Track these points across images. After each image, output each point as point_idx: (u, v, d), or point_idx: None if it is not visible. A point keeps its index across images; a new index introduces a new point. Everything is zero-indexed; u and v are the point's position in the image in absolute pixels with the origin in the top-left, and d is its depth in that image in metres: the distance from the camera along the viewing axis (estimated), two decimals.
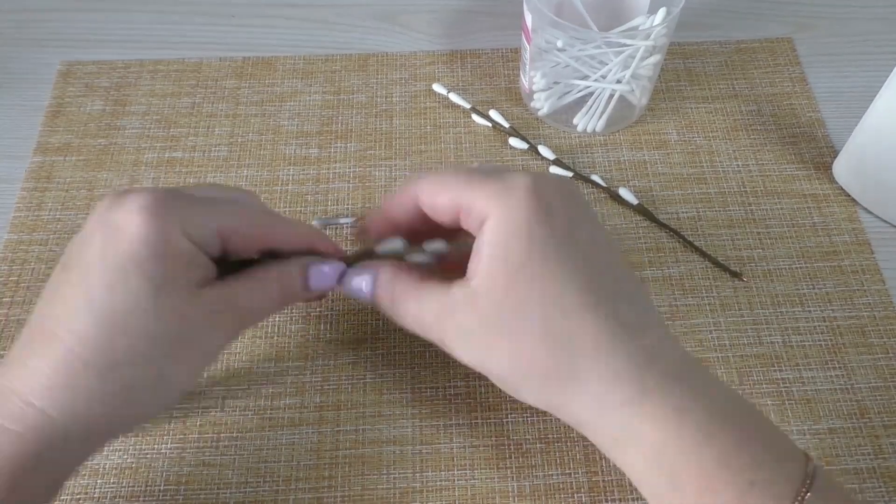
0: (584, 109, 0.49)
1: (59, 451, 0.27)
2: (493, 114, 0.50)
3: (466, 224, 0.30)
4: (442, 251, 0.35)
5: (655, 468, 0.27)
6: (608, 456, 0.30)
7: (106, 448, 0.38)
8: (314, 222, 0.46)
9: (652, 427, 0.27)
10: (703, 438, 0.27)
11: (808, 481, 0.26)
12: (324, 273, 0.33)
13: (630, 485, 0.37)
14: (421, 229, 0.33)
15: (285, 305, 0.34)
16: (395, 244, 0.35)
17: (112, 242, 0.27)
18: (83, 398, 0.26)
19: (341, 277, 0.34)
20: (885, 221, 0.46)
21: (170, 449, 0.38)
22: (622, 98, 0.48)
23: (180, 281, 0.28)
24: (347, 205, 0.47)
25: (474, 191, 0.29)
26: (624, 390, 0.28)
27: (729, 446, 0.27)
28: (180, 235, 0.28)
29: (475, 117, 0.50)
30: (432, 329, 0.31)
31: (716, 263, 0.44)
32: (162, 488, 0.37)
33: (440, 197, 0.30)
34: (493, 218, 0.28)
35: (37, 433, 0.26)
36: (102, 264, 0.27)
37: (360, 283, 0.33)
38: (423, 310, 0.31)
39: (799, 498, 0.26)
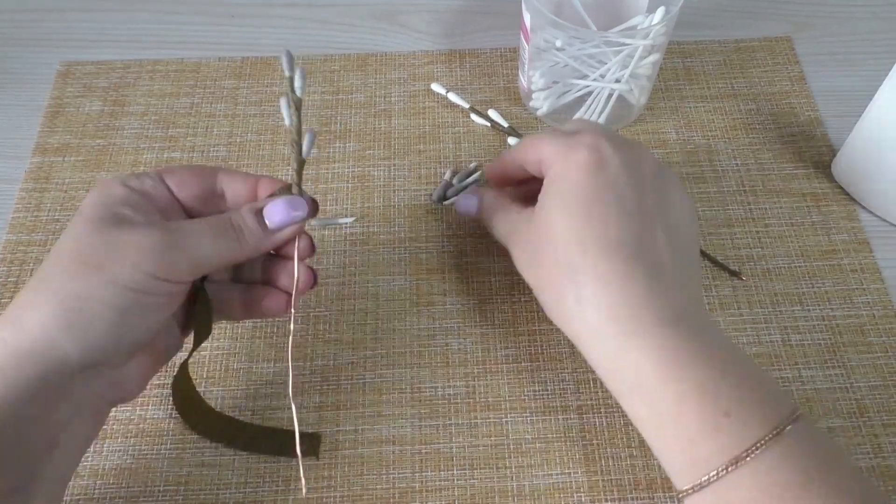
0: (582, 109, 0.49)
1: (18, 370, 0.28)
2: (491, 113, 0.50)
3: (540, 168, 0.36)
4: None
5: (637, 394, 0.31)
6: (601, 377, 0.33)
7: (106, 449, 0.38)
8: (313, 223, 0.46)
9: (636, 357, 0.31)
10: (681, 371, 0.30)
11: (790, 420, 0.29)
12: (276, 206, 0.33)
13: (630, 484, 0.37)
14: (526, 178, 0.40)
15: (247, 249, 0.33)
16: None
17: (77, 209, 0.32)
18: (19, 311, 0.29)
19: (299, 211, 0.33)
20: (884, 220, 0.46)
21: (170, 449, 0.38)
22: (621, 97, 0.48)
23: (111, 216, 0.31)
24: (346, 205, 0.47)
25: (549, 146, 0.36)
26: (617, 325, 0.31)
27: (709, 380, 0.30)
28: (117, 186, 0.32)
29: (474, 117, 0.50)
30: (504, 238, 0.38)
31: (715, 262, 0.44)
32: (162, 488, 0.37)
33: (530, 154, 0.37)
34: (552, 169, 0.35)
35: None
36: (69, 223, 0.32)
37: (470, 202, 0.41)
38: (503, 223, 0.38)
39: (776, 430, 0.28)
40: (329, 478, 0.38)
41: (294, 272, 0.35)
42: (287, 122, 0.33)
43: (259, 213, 0.33)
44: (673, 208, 0.35)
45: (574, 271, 0.33)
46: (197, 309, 0.35)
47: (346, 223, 0.46)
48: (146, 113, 0.52)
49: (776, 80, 0.53)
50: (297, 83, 0.33)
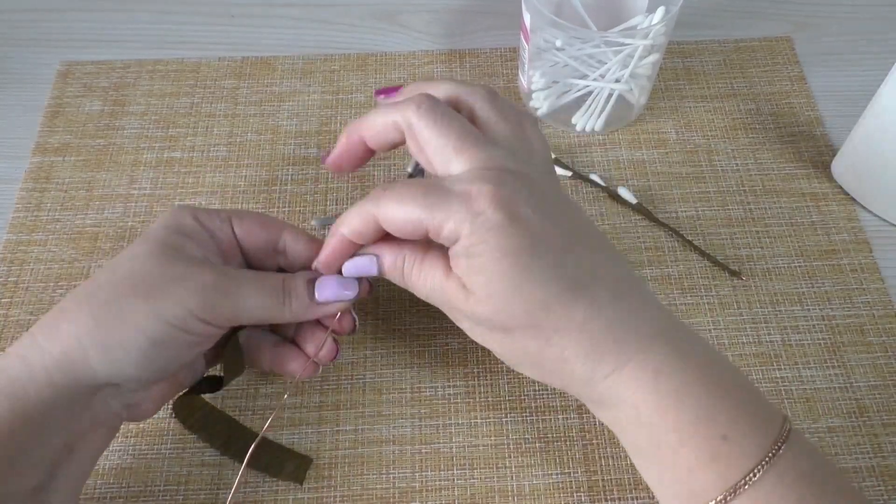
0: (582, 109, 0.49)
1: (30, 368, 0.29)
2: None
3: (437, 240, 0.30)
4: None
5: (636, 425, 0.29)
6: (595, 414, 0.32)
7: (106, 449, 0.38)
8: (313, 222, 0.46)
9: (632, 389, 0.29)
10: (679, 397, 0.29)
11: (781, 439, 0.28)
12: (328, 282, 0.34)
13: (630, 484, 0.37)
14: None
15: (290, 314, 0.33)
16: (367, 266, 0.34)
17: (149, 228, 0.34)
18: (60, 322, 0.30)
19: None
20: (884, 220, 0.46)
21: (170, 449, 0.38)
22: (621, 97, 0.48)
23: (175, 245, 0.32)
24: (346, 205, 0.47)
25: (439, 212, 0.29)
26: (605, 366, 0.29)
27: (704, 403, 0.28)
28: (189, 217, 0.33)
29: None
30: (441, 306, 0.32)
31: (715, 262, 0.44)
32: (162, 488, 0.37)
33: (404, 222, 0.30)
34: (466, 239, 0.29)
35: (18, 353, 0.30)
36: (135, 240, 0.33)
37: (368, 265, 0.33)
38: (430, 293, 0.32)
39: (771, 454, 0.27)
40: (329, 478, 0.38)
41: (323, 342, 0.36)
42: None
43: (311, 284, 0.34)
44: (558, 217, 0.31)
45: (555, 330, 0.29)
46: (226, 353, 0.35)
47: None
48: (146, 113, 0.52)
49: (776, 80, 0.53)
50: None
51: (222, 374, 0.36)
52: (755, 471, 0.27)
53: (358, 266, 0.33)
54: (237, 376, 0.36)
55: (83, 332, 0.29)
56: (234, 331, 0.35)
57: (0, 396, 0.29)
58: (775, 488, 0.27)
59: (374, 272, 0.33)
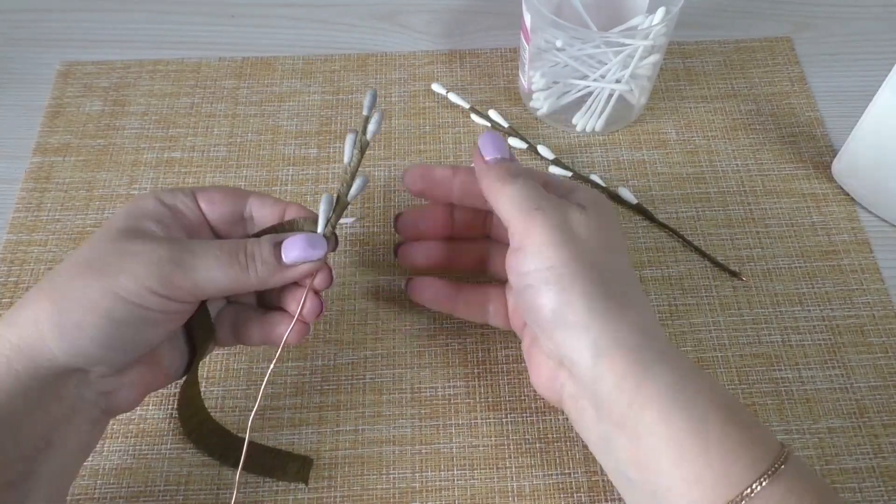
0: (583, 109, 0.49)
1: (8, 364, 0.28)
2: (492, 113, 0.50)
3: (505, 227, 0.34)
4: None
5: (675, 404, 0.29)
6: (607, 397, 0.30)
7: (106, 449, 0.38)
8: None
9: (678, 367, 0.30)
10: (713, 384, 0.30)
11: (781, 457, 0.28)
12: (294, 241, 0.33)
13: None
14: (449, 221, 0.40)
15: (256, 279, 0.32)
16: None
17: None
18: (20, 310, 0.29)
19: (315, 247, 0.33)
20: (884, 220, 0.46)
21: (170, 449, 0.38)
22: (621, 98, 0.48)
23: (131, 227, 0.31)
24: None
25: (531, 221, 0.32)
26: (657, 336, 0.31)
27: (731, 399, 0.30)
28: (150, 199, 0.33)
29: (474, 117, 0.50)
30: (540, 202, 0.32)
31: (715, 263, 0.44)
32: (162, 488, 0.37)
33: (504, 207, 0.33)
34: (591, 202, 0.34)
35: None
36: None
37: (497, 143, 0.36)
38: (543, 191, 0.33)
39: (775, 465, 0.27)
40: (329, 478, 0.38)
41: (303, 298, 0.34)
42: (346, 159, 0.34)
43: (278, 246, 0.33)
44: (612, 252, 0.34)
45: (618, 277, 0.32)
46: (195, 323, 0.34)
47: (347, 223, 0.46)
48: (146, 113, 0.52)
49: (776, 81, 0.53)
50: (372, 127, 0.33)
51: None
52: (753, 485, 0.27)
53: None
54: (208, 348, 0.35)
55: (40, 317, 0.29)
56: (203, 303, 0.34)
57: None
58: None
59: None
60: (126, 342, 0.30)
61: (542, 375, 0.34)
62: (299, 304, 0.34)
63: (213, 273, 0.31)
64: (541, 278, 0.31)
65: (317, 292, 0.35)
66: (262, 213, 0.35)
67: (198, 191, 0.34)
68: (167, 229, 0.32)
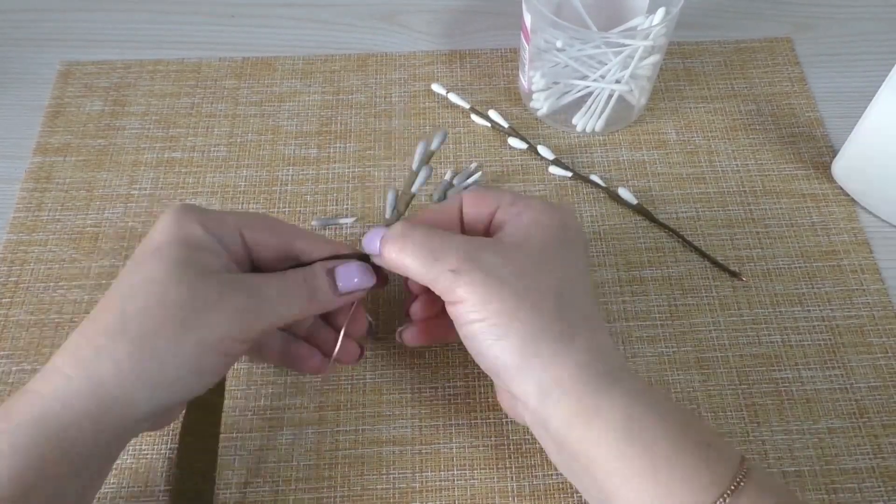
0: (583, 109, 0.49)
1: (73, 413, 0.28)
2: (492, 114, 0.50)
3: (501, 216, 0.34)
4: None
5: (626, 438, 0.29)
6: (558, 434, 0.30)
7: None
8: (314, 223, 0.46)
9: (629, 397, 0.29)
10: (667, 409, 0.30)
11: (740, 474, 0.28)
12: (349, 270, 0.34)
13: None
14: None
15: (315, 308, 0.34)
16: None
17: (147, 239, 0.32)
18: (96, 359, 0.28)
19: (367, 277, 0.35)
20: (884, 221, 0.46)
21: (170, 449, 0.38)
22: (621, 98, 0.48)
23: (194, 263, 0.31)
24: (347, 205, 0.47)
25: (521, 196, 0.34)
26: (606, 363, 0.30)
27: (686, 418, 0.30)
28: (197, 226, 0.32)
29: (474, 117, 0.50)
30: (450, 259, 0.31)
31: (715, 263, 0.44)
32: (162, 488, 0.37)
33: (485, 200, 0.35)
34: (540, 209, 0.34)
35: (55, 394, 0.28)
36: (137, 254, 0.32)
37: (375, 237, 0.34)
38: (448, 245, 0.32)
39: (734, 483, 0.27)
40: (329, 478, 0.38)
41: (338, 341, 0.36)
42: (388, 213, 0.36)
43: (331, 273, 0.34)
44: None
45: (576, 309, 0.31)
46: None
47: (347, 223, 0.46)
48: (147, 113, 0.52)
49: (776, 81, 0.53)
50: (419, 180, 0.36)
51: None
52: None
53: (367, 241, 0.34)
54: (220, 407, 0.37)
55: (126, 373, 0.28)
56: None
57: (47, 440, 0.28)
58: None
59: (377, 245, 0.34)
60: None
61: (504, 401, 0.35)
62: (341, 345, 0.36)
63: (283, 311, 0.32)
64: (476, 329, 0.31)
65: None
66: (312, 252, 0.35)
67: (244, 225, 0.33)
68: (220, 261, 0.32)
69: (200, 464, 0.37)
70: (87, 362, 0.28)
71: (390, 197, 0.37)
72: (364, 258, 0.35)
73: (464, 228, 0.36)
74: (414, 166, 0.37)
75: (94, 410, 0.28)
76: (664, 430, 0.29)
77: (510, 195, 0.35)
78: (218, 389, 0.37)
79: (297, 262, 0.35)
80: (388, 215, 0.36)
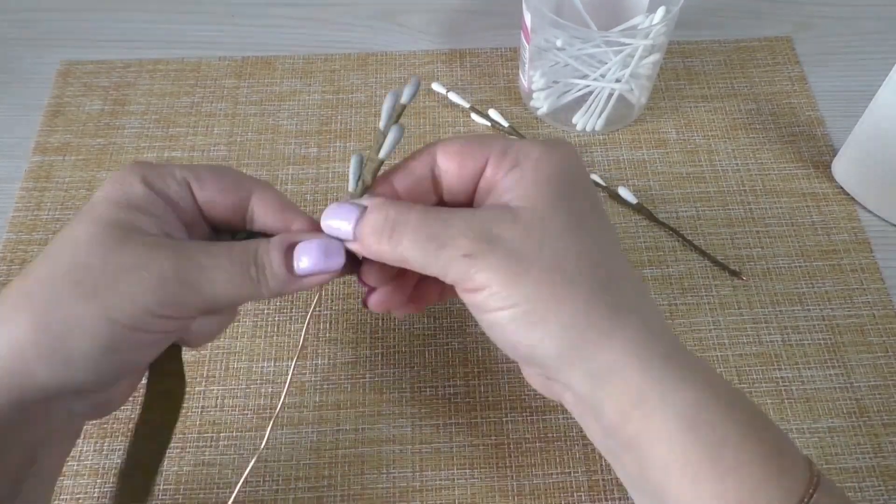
0: (583, 108, 0.49)
1: (6, 389, 0.25)
2: (492, 113, 0.50)
3: (492, 173, 0.28)
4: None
5: (691, 429, 0.25)
6: (610, 423, 0.26)
7: (106, 448, 0.38)
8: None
9: (693, 382, 0.25)
10: (734, 401, 0.26)
11: (811, 488, 0.25)
12: (310, 247, 0.28)
13: None
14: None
15: (261, 291, 0.28)
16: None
17: (89, 201, 0.28)
18: (14, 325, 0.25)
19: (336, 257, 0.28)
20: (884, 220, 0.46)
21: (170, 449, 0.38)
22: (621, 97, 0.48)
23: (122, 224, 0.27)
24: None
25: (511, 142, 0.28)
26: (663, 342, 0.26)
27: (755, 414, 0.26)
28: (138, 183, 0.28)
29: (474, 116, 0.50)
30: (461, 242, 0.26)
31: (715, 262, 0.44)
32: (162, 488, 0.37)
33: (469, 153, 0.28)
34: (539, 155, 0.27)
35: None
36: (74, 218, 0.28)
37: (345, 213, 0.28)
38: (454, 226, 0.27)
39: (804, 499, 0.24)
40: (329, 477, 0.38)
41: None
42: (351, 184, 0.30)
43: (289, 252, 0.28)
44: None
45: (614, 279, 0.26)
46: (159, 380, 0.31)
47: None
48: (146, 112, 0.52)
49: (776, 80, 0.53)
50: (389, 142, 0.29)
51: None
52: None
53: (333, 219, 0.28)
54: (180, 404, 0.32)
55: (24, 341, 0.25)
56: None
57: None
58: None
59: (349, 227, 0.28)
60: (121, 365, 0.27)
61: (534, 380, 0.31)
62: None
63: (222, 289, 0.27)
64: (505, 317, 0.26)
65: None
66: (265, 221, 0.30)
67: (193, 177, 0.29)
68: (161, 224, 0.28)
69: (146, 455, 0.32)
70: (7, 331, 0.25)
71: (354, 163, 0.29)
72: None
73: (439, 192, 0.30)
74: (381, 125, 0.29)
75: None
76: (734, 428, 0.25)
77: (500, 142, 0.28)
78: (175, 373, 0.32)
79: (251, 223, 0.30)
80: (351, 187, 0.29)
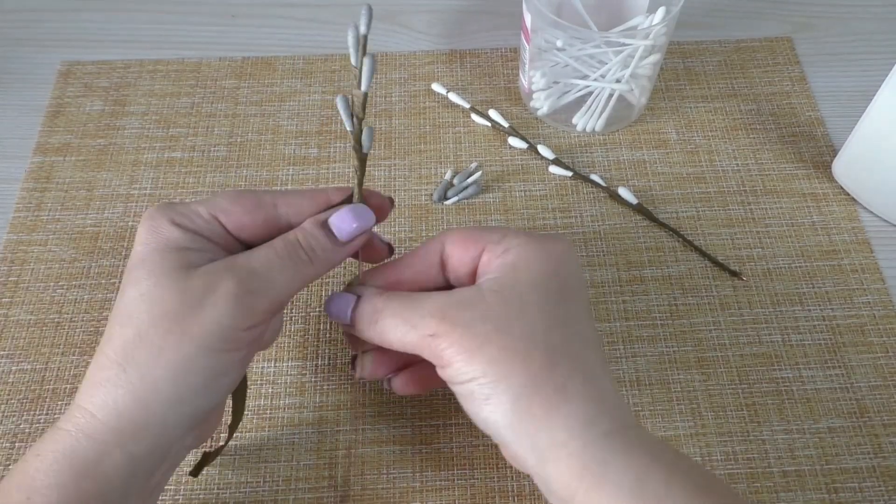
0: (583, 109, 0.49)
1: (101, 445, 0.27)
2: (492, 113, 0.50)
3: (487, 258, 0.31)
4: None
5: (636, 500, 0.26)
6: (559, 496, 0.28)
7: None
8: None
9: (637, 456, 0.27)
10: (682, 471, 0.27)
11: None
12: (344, 215, 0.31)
13: None
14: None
15: (319, 268, 0.31)
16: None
17: (132, 254, 0.30)
18: (111, 391, 0.27)
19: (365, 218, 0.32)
20: (884, 220, 0.46)
21: None
22: (621, 97, 0.48)
23: (178, 264, 0.29)
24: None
25: (507, 231, 0.32)
26: (611, 418, 0.28)
27: (705, 481, 0.27)
28: (171, 227, 0.30)
29: (474, 117, 0.50)
30: (426, 323, 0.30)
31: (715, 263, 0.44)
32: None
33: (470, 242, 0.32)
34: (523, 246, 0.31)
35: (80, 430, 0.27)
36: (126, 271, 0.30)
37: (343, 303, 0.32)
38: (422, 309, 0.30)
39: None
40: (329, 478, 0.38)
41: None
42: (347, 124, 0.32)
43: (325, 226, 0.31)
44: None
45: (569, 357, 0.29)
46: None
47: None
48: (147, 113, 0.52)
49: (777, 81, 0.53)
50: (365, 74, 0.30)
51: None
52: None
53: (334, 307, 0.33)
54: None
55: (145, 397, 0.27)
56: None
57: (82, 475, 0.27)
58: None
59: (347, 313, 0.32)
60: (227, 387, 0.30)
61: (504, 453, 0.32)
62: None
63: (284, 282, 0.30)
64: (468, 390, 0.29)
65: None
66: (300, 211, 0.32)
67: (219, 212, 0.31)
68: (205, 255, 0.30)
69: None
70: (104, 395, 0.27)
71: (341, 106, 0.31)
72: (349, 199, 0.33)
73: (447, 275, 0.33)
74: (353, 60, 0.31)
75: (121, 440, 0.27)
76: (681, 494, 0.26)
77: (498, 232, 0.32)
78: None
79: (289, 227, 0.32)
80: (348, 126, 0.31)
